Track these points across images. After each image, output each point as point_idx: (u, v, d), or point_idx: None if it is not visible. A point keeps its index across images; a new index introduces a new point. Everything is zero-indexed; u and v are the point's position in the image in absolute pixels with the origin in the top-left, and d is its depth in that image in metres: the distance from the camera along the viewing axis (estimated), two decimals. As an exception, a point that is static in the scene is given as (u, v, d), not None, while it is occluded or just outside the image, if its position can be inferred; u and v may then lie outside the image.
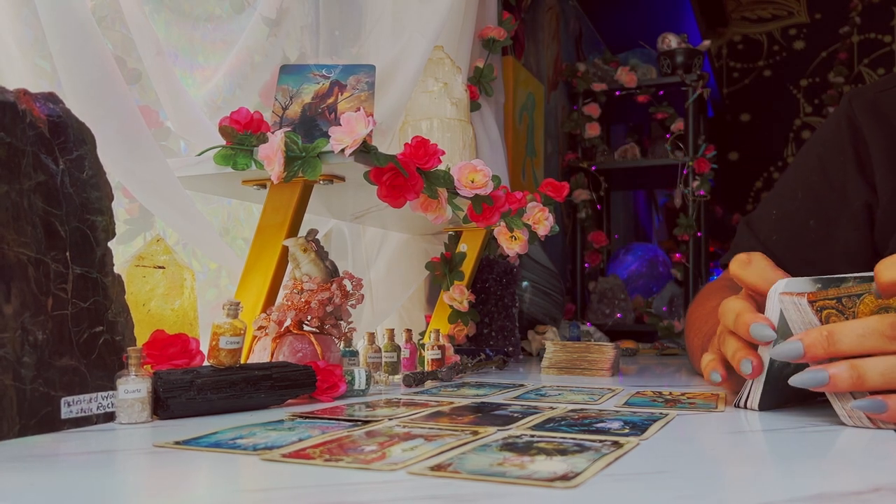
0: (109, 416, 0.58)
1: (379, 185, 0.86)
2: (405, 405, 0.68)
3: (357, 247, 1.32)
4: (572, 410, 0.64)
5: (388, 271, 1.38)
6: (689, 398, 0.73)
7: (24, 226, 0.53)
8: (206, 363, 0.67)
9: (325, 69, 1.07)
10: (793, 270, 0.85)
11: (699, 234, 2.74)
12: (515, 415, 0.61)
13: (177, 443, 0.49)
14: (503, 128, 1.78)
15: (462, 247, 1.33)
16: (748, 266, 0.62)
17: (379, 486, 0.38)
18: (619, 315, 2.57)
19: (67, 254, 0.56)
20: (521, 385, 0.88)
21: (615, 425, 0.56)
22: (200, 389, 0.61)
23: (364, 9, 1.38)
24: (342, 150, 0.81)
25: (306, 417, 0.60)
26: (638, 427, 0.55)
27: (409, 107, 1.26)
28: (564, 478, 0.38)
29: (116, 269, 0.61)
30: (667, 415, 0.61)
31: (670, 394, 0.77)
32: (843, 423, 0.54)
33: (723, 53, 4.32)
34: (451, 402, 0.70)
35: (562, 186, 1.31)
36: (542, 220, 1.19)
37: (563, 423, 0.57)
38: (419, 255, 1.42)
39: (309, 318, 0.79)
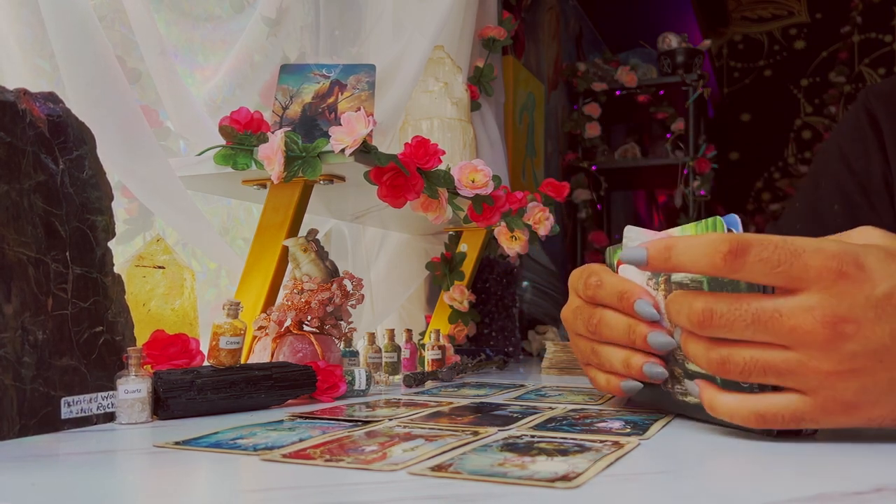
0: (109, 417, 0.58)
1: (379, 185, 0.85)
2: (405, 405, 0.68)
3: (357, 247, 1.32)
4: (573, 410, 0.64)
5: (389, 271, 1.38)
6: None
7: (24, 225, 0.53)
8: (206, 363, 0.67)
9: (326, 69, 1.07)
10: None
11: (699, 233, 2.74)
12: (515, 415, 0.61)
13: (177, 443, 0.49)
14: (503, 127, 1.78)
15: (462, 247, 1.33)
16: (601, 288, 0.58)
17: (379, 487, 0.38)
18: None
19: (67, 254, 0.56)
20: (522, 385, 0.88)
21: (616, 425, 0.56)
22: (200, 389, 0.61)
23: (364, 9, 1.38)
24: (342, 150, 0.80)
25: (306, 418, 0.60)
26: (639, 426, 0.55)
27: (410, 106, 1.26)
28: (565, 478, 0.38)
29: (116, 269, 0.61)
30: (667, 414, 0.61)
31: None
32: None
33: (723, 53, 4.32)
34: (452, 403, 0.70)
35: (562, 186, 1.31)
36: (543, 220, 1.19)
37: (564, 422, 0.57)
38: (419, 255, 1.42)
39: (309, 318, 0.79)
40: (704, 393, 0.50)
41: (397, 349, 0.97)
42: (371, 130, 0.81)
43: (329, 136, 0.81)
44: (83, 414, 0.56)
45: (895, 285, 0.43)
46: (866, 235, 0.49)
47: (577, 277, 0.61)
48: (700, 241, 0.47)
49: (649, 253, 0.49)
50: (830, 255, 0.44)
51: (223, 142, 0.84)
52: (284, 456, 0.44)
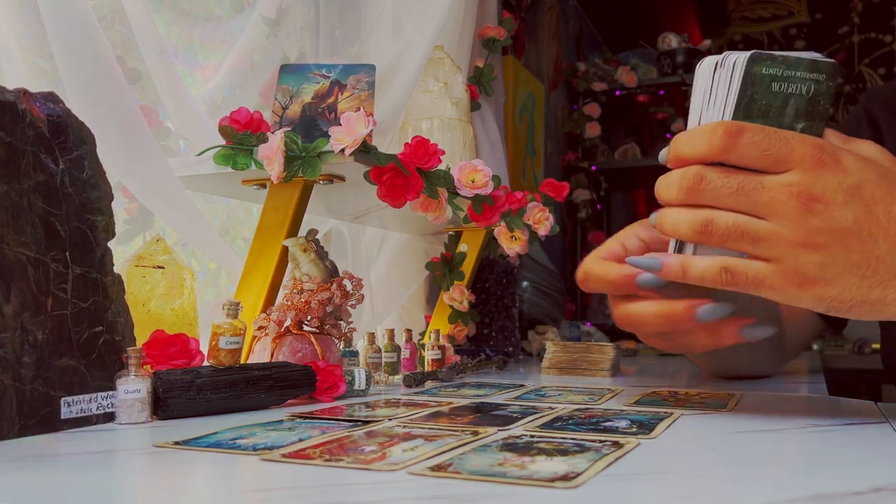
0: (109, 417, 0.58)
1: (379, 185, 0.85)
2: (405, 405, 0.68)
3: (357, 247, 1.32)
4: (578, 409, 0.64)
5: (388, 271, 1.38)
6: (702, 397, 0.73)
7: (24, 226, 0.53)
8: (205, 363, 0.67)
9: (325, 69, 1.07)
10: None
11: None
12: (515, 415, 0.61)
13: (176, 443, 0.49)
14: (503, 128, 1.78)
15: (462, 247, 1.33)
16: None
17: (379, 487, 0.38)
18: (619, 315, 2.56)
19: (67, 254, 0.56)
20: (522, 385, 0.88)
21: (622, 424, 0.56)
22: (200, 389, 0.61)
23: (364, 9, 1.38)
24: (342, 150, 0.80)
25: (306, 418, 0.60)
26: (645, 426, 0.55)
27: (410, 106, 1.26)
28: (565, 478, 0.38)
29: (116, 269, 0.61)
30: (672, 414, 0.61)
31: (686, 394, 0.77)
32: None
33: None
34: (451, 403, 0.70)
35: (562, 186, 1.31)
36: (543, 220, 1.19)
37: (570, 421, 0.57)
38: (419, 255, 1.42)
39: (309, 318, 0.79)
40: (674, 259, 0.53)
41: (397, 349, 0.97)
42: (371, 130, 0.81)
43: (329, 136, 0.81)
44: (83, 414, 0.56)
45: (866, 179, 0.49)
46: (865, 147, 0.53)
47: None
48: (698, 128, 0.52)
49: (668, 157, 0.53)
50: (814, 144, 0.49)
51: (223, 142, 0.84)
52: (284, 456, 0.44)
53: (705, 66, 0.54)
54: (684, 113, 2.78)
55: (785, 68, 0.54)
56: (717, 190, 0.50)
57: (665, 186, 0.53)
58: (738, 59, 0.53)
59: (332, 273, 0.82)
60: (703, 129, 0.51)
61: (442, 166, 0.92)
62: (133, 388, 0.57)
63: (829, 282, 0.49)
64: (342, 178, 0.90)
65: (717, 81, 0.54)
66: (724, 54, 0.54)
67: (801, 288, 0.49)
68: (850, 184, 0.48)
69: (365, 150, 0.82)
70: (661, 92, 2.84)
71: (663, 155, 0.55)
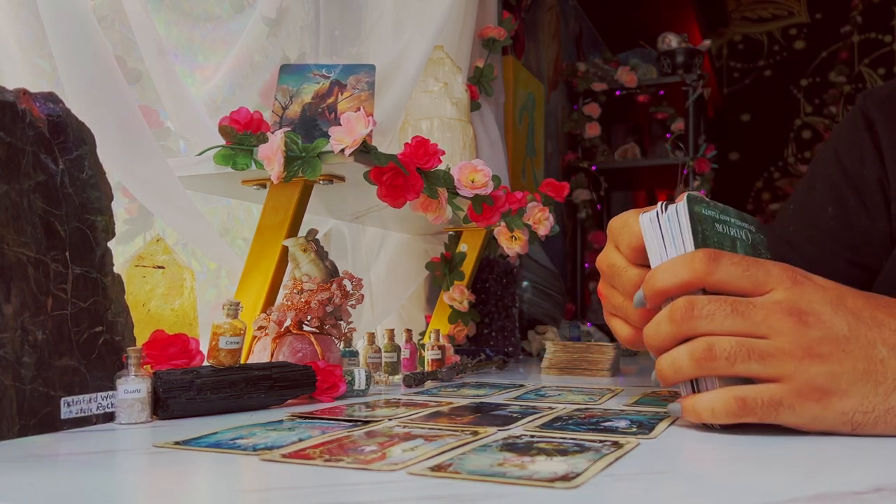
0: (109, 417, 0.58)
1: (379, 185, 0.85)
2: (405, 405, 0.68)
3: (357, 247, 1.32)
4: (578, 409, 0.64)
5: (388, 271, 1.38)
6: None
7: (24, 226, 0.53)
8: (205, 363, 0.67)
9: (326, 69, 1.07)
10: (813, 258, 0.85)
11: (699, 233, 2.73)
12: (515, 415, 0.61)
13: (176, 443, 0.49)
14: (503, 128, 1.78)
15: (462, 247, 1.33)
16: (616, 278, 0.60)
17: (379, 487, 0.38)
18: (619, 315, 2.56)
19: (67, 254, 0.56)
20: (521, 385, 0.88)
21: (622, 424, 0.56)
22: (200, 389, 0.61)
23: (364, 9, 1.38)
24: (342, 150, 0.80)
25: (306, 418, 0.60)
26: (645, 426, 0.55)
27: (410, 106, 1.26)
28: (565, 478, 0.38)
29: (116, 269, 0.61)
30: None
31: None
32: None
33: (723, 53, 4.32)
34: (451, 403, 0.70)
35: (562, 186, 1.31)
36: (543, 220, 1.19)
37: (570, 422, 0.57)
38: (419, 255, 1.42)
39: (309, 318, 0.79)
40: (685, 401, 0.53)
41: (397, 349, 0.97)
42: (371, 130, 0.81)
43: (329, 137, 0.81)
44: (83, 414, 0.56)
45: (843, 292, 0.51)
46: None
47: (616, 232, 0.60)
48: (673, 259, 0.53)
49: (645, 295, 0.54)
50: (785, 266, 0.52)
51: (223, 142, 0.84)
52: (284, 456, 0.44)
53: (646, 219, 0.56)
54: (684, 113, 2.78)
55: (719, 212, 0.57)
56: (712, 314, 0.50)
57: (653, 328, 0.52)
58: (678, 204, 0.55)
59: (332, 273, 0.82)
60: (680, 258, 0.52)
61: (442, 166, 0.92)
62: (133, 388, 0.57)
63: (844, 392, 0.48)
64: (342, 178, 0.90)
65: (665, 226, 0.55)
66: (658, 206, 0.56)
67: (820, 403, 0.49)
68: (832, 296, 0.50)
69: (365, 150, 0.82)
70: (661, 92, 2.83)
71: (639, 298, 0.55)
